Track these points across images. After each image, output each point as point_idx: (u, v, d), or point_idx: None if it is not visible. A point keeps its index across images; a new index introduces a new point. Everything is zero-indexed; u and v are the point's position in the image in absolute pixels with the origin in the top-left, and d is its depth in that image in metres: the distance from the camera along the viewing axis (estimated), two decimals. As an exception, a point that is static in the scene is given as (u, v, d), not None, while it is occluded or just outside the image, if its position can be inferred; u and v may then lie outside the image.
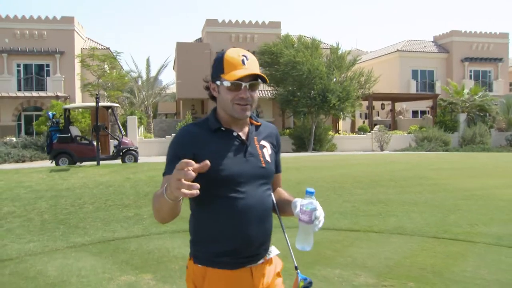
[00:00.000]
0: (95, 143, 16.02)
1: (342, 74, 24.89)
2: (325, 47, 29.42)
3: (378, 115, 40.36)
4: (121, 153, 16.74)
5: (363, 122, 34.48)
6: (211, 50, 34.83)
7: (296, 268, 1.94)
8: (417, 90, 39.26)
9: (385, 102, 37.03)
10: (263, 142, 1.96)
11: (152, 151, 24.42)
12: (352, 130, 32.51)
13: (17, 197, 9.26)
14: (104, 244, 6.20)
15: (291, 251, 1.96)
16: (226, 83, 1.79)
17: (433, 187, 10.49)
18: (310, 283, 1.86)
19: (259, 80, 1.83)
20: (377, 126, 28.90)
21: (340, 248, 5.95)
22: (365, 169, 13.08)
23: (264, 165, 1.90)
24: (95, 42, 36.38)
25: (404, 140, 27.38)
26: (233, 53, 1.83)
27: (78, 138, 16.88)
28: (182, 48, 35.04)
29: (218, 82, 1.84)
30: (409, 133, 28.29)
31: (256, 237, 1.85)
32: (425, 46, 42.10)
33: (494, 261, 5.32)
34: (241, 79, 1.78)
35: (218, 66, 1.84)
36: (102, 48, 34.12)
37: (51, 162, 16.35)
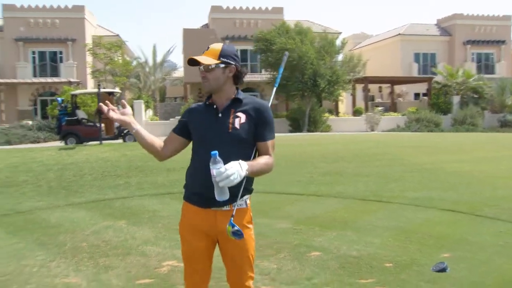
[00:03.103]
0: (98, 125, 17.83)
1: (333, 59, 26.19)
2: (319, 30, 30.55)
3: (381, 98, 41.43)
4: (122, 134, 18.53)
5: (367, 104, 35.65)
6: (216, 35, 36.08)
7: (232, 216, 2.33)
8: (418, 73, 40.05)
9: (384, 85, 38.07)
10: (238, 113, 2.39)
11: (157, 133, 25.75)
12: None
13: (30, 169, 11.03)
14: (96, 203, 7.86)
15: (235, 206, 2.38)
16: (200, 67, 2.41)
17: (391, 161, 11.91)
18: (238, 231, 2.26)
19: (212, 66, 2.37)
20: (379, 108, 30.19)
21: (280, 206, 7.44)
22: (338, 147, 14.57)
23: (230, 130, 2.35)
24: (105, 29, 37.95)
25: (395, 122, 28.63)
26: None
27: (84, 120, 18.72)
28: (188, 34, 36.25)
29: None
30: (403, 114, 29.48)
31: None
32: (427, 30, 42.75)
33: (396, 215, 6.65)
34: (199, 64, 2.37)
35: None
36: (111, 36, 35.66)
37: (61, 142, 18.23)
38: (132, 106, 26.19)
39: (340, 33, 35.78)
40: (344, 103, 36.34)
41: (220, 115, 2.40)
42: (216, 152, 2.18)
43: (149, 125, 26.56)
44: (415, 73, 39.60)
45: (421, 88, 37.77)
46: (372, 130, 27.19)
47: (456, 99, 30.32)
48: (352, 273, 4.20)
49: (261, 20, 35.94)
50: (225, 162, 2.19)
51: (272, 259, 4.65)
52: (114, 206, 7.51)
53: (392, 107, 34.70)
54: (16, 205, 7.70)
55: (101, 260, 4.74)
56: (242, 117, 2.40)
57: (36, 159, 12.47)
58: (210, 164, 2.18)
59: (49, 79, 32.99)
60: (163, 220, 6.39)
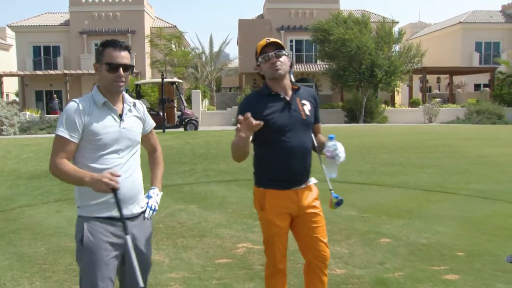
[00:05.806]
0: (161, 114, 18.49)
1: (391, 49, 25.70)
2: (376, 20, 30.04)
3: (439, 89, 40.12)
4: (183, 122, 19.19)
5: (425, 95, 34.72)
6: (271, 26, 36.19)
7: (330, 190, 2.75)
8: (480, 63, 38.34)
9: (442, 76, 36.85)
10: (303, 101, 2.68)
11: (214, 122, 26.68)
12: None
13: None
14: (165, 188, 8.04)
15: (328, 178, 2.73)
16: (260, 58, 2.61)
17: (453, 154, 11.66)
18: (341, 200, 2.70)
19: (283, 51, 2.58)
20: (437, 100, 29.38)
21: (344, 194, 7.34)
22: (397, 138, 14.40)
23: (304, 117, 2.64)
24: (163, 20, 38.95)
25: (454, 113, 27.78)
26: (261, 41, 2.64)
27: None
28: (244, 24, 36.58)
29: (258, 61, 2.64)
30: (462, 106, 28.55)
31: (298, 168, 2.60)
32: (491, 17, 40.77)
33: (462, 206, 6.58)
34: (267, 51, 2.57)
35: (256, 52, 2.65)
36: (169, 27, 36.58)
37: (125, 131, 19.09)
38: (189, 96, 26.91)
39: (397, 22, 34.87)
40: (400, 94, 35.53)
41: (291, 105, 2.63)
42: (334, 135, 2.59)
43: (206, 114, 27.15)
44: (476, 63, 37.96)
45: (482, 78, 36.26)
46: (430, 122, 26.57)
47: (523, 91, 28.98)
48: (424, 260, 4.28)
49: (317, 10, 35.57)
50: (302, 146, 2.60)
51: (343, 244, 4.79)
52: (183, 191, 7.88)
53: (450, 99, 33.61)
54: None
55: (178, 240, 5.06)
56: (307, 104, 2.71)
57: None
58: (329, 146, 2.58)
59: (111, 70, 34.30)
60: (233, 206, 6.65)
